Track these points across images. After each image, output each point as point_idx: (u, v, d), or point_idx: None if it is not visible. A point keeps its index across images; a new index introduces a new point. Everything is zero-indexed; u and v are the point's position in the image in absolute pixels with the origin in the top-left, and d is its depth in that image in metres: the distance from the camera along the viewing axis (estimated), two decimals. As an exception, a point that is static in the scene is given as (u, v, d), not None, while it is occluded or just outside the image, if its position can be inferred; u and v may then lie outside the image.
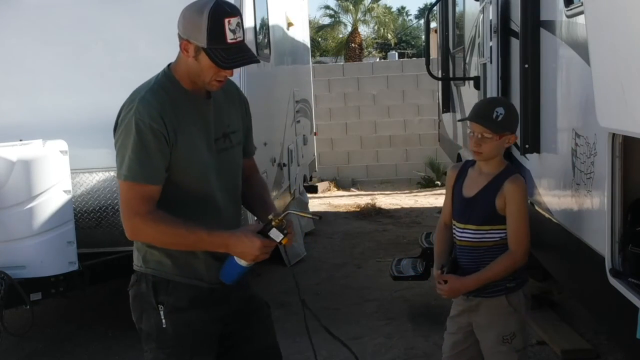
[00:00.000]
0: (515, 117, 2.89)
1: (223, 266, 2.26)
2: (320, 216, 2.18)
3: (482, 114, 2.79)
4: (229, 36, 2.11)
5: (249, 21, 5.29)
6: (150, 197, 2.16)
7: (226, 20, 2.10)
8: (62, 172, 4.17)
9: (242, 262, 2.22)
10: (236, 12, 2.14)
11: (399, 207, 9.89)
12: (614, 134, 2.62)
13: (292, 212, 2.30)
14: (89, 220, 4.48)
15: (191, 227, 2.17)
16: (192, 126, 2.22)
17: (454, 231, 2.92)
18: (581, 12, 2.91)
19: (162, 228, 2.17)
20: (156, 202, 2.18)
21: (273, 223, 2.18)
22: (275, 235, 2.17)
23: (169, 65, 2.28)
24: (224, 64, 2.13)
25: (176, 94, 2.21)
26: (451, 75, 7.22)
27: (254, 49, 5.40)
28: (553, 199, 3.62)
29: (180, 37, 2.17)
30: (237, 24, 2.12)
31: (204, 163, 2.24)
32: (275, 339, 2.53)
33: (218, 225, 2.25)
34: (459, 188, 2.91)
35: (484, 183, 2.82)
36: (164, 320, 2.26)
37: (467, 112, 6.29)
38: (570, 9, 3.17)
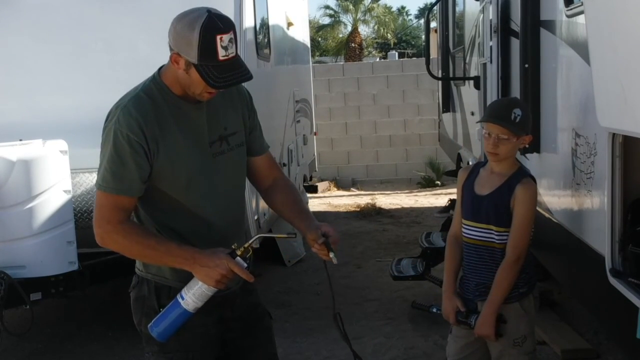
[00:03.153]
0: (530, 117, 2.87)
1: (160, 321, 2.18)
2: (295, 234, 2.12)
3: (500, 115, 2.75)
4: (221, 53, 2.05)
5: (249, 21, 5.28)
6: (123, 208, 2.15)
7: (218, 37, 2.04)
8: (62, 172, 4.17)
9: (190, 301, 2.14)
10: (229, 27, 2.07)
11: (399, 207, 9.89)
12: (614, 134, 2.62)
13: (262, 235, 2.21)
14: (89, 220, 4.46)
15: (161, 239, 2.16)
16: (178, 134, 2.18)
17: (462, 230, 2.89)
18: (581, 12, 2.91)
19: (132, 237, 2.15)
20: (130, 212, 2.18)
21: (238, 252, 2.13)
22: (240, 263, 2.12)
23: (160, 68, 2.24)
24: (215, 83, 2.08)
25: (163, 101, 2.18)
26: (451, 75, 7.22)
27: (254, 49, 5.41)
28: (553, 198, 3.63)
29: (170, 48, 2.12)
30: (230, 40, 2.06)
31: (191, 171, 2.21)
32: (275, 350, 2.52)
33: (207, 233, 2.23)
34: (470, 186, 2.88)
35: (498, 183, 2.79)
36: None
37: (467, 112, 6.35)
38: (570, 9, 3.17)
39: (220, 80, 2.08)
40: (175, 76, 2.15)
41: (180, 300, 2.16)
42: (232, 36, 2.07)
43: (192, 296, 2.14)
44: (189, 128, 2.21)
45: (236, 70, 2.11)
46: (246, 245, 2.15)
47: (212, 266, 2.10)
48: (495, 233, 2.78)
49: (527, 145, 3.10)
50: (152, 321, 2.20)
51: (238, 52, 2.12)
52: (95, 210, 2.18)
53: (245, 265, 2.13)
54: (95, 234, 2.17)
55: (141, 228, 2.19)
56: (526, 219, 2.75)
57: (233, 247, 2.14)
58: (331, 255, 2.16)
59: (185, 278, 2.22)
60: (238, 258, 2.12)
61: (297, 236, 2.20)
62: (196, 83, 2.11)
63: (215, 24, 2.04)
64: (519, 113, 2.72)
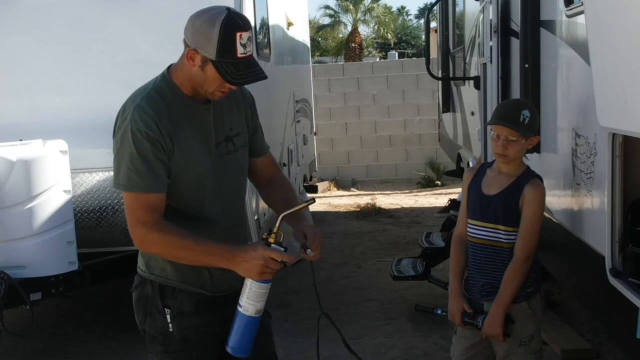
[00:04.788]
0: (537, 118, 2.87)
1: (230, 337, 2.19)
2: (314, 199, 2.11)
3: (509, 117, 2.75)
4: (239, 51, 2.06)
5: (248, 21, 5.29)
6: (154, 206, 2.13)
7: (238, 35, 2.05)
8: (62, 172, 4.17)
9: (248, 306, 2.15)
10: (248, 26, 2.10)
11: (399, 207, 9.89)
12: (614, 134, 2.62)
13: (284, 213, 2.18)
14: (89, 220, 4.48)
15: (199, 239, 2.13)
16: (189, 133, 2.18)
17: (468, 230, 2.90)
18: (581, 12, 2.91)
19: (169, 239, 2.13)
20: (161, 210, 2.15)
21: (270, 240, 2.12)
22: (277, 248, 2.11)
23: (169, 67, 2.23)
24: (232, 80, 2.09)
25: (174, 100, 2.18)
26: (451, 75, 7.22)
27: (253, 49, 5.41)
28: (553, 198, 3.62)
29: (186, 45, 2.12)
30: (249, 38, 2.08)
31: (201, 170, 2.21)
32: (275, 349, 2.53)
33: (211, 233, 2.22)
34: (477, 186, 2.88)
35: (506, 183, 2.80)
36: (170, 324, 2.24)
37: (467, 112, 6.35)
38: (570, 9, 3.17)
39: (237, 77, 2.09)
40: (188, 74, 2.15)
41: (239, 309, 2.17)
42: (250, 34, 2.09)
43: (248, 300, 2.15)
44: (198, 128, 2.22)
45: (252, 69, 2.13)
46: (275, 231, 2.14)
47: (249, 259, 2.10)
48: (503, 233, 2.79)
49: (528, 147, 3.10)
50: (227, 341, 2.19)
51: (253, 51, 2.13)
52: (128, 215, 2.16)
53: (282, 249, 2.12)
54: (134, 239, 2.16)
55: (175, 228, 2.15)
56: (535, 219, 2.76)
57: (264, 236, 2.14)
58: (307, 251, 2.19)
59: (189, 279, 2.24)
60: (273, 245, 2.11)
61: (314, 201, 2.25)
62: (211, 80, 2.12)
63: (235, 22, 2.06)
64: (528, 114, 2.73)
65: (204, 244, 2.13)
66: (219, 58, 2.06)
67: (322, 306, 2.33)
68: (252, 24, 5.40)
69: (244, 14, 5.03)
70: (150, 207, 2.12)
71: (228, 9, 2.08)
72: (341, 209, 9.85)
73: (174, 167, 2.16)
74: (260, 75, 2.14)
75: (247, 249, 2.13)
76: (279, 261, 2.11)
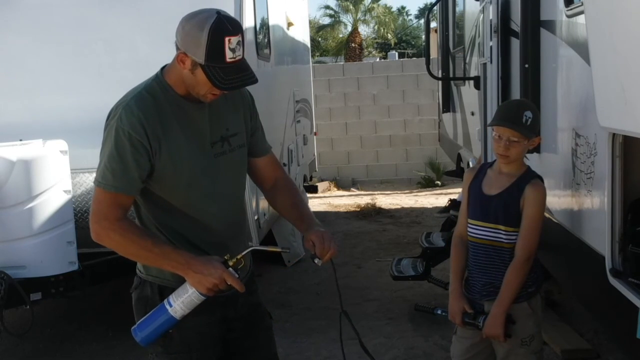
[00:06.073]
0: (539, 118, 2.88)
1: (143, 327, 2.19)
2: (289, 248, 2.13)
3: (511, 118, 2.75)
4: (228, 55, 2.06)
5: (249, 21, 5.29)
6: (121, 205, 2.16)
7: (226, 39, 2.05)
8: (62, 172, 4.17)
9: (178, 309, 2.15)
10: (237, 30, 2.09)
11: (399, 207, 9.89)
12: (614, 134, 2.62)
13: (256, 248, 2.25)
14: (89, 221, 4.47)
15: (157, 241, 2.16)
16: (180, 132, 2.19)
17: (468, 230, 2.90)
18: (581, 12, 2.91)
19: (129, 236, 2.15)
20: (127, 210, 2.19)
21: (230, 263, 2.15)
22: (232, 273, 2.14)
23: (162, 68, 2.24)
24: (221, 85, 2.09)
25: (165, 100, 2.18)
26: (451, 75, 7.23)
27: (254, 49, 5.41)
28: (553, 198, 3.62)
29: (177, 48, 2.13)
30: (238, 43, 2.08)
31: (192, 170, 2.21)
32: (275, 349, 2.54)
33: (207, 234, 2.24)
34: (477, 186, 2.88)
35: (507, 184, 2.80)
36: None
37: (467, 112, 6.35)
38: (571, 9, 3.17)
39: (226, 82, 2.09)
40: (180, 76, 2.16)
41: (167, 307, 2.17)
42: (240, 39, 2.08)
43: (181, 304, 2.16)
44: (191, 128, 2.22)
45: (242, 73, 2.12)
46: (238, 257, 2.17)
47: (206, 274, 2.11)
48: (504, 233, 2.79)
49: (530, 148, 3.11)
50: (136, 325, 2.21)
51: (244, 54, 2.12)
52: (93, 206, 2.19)
53: (237, 275, 2.14)
54: (91, 230, 2.18)
55: (138, 228, 2.20)
56: (536, 220, 2.76)
57: (225, 257, 2.16)
58: (315, 260, 2.28)
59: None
60: (230, 269, 2.13)
61: (289, 250, 2.30)
62: (201, 84, 2.12)
63: (224, 26, 2.05)
64: (530, 115, 2.73)
65: (161, 247, 2.16)
66: (208, 63, 2.06)
67: (342, 304, 2.40)
68: (252, 24, 5.40)
69: (244, 14, 5.06)
70: (116, 205, 2.15)
71: (218, 12, 2.07)
72: (341, 209, 9.85)
73: (163, 168, 2.17)
74: (250, 80, 2.14)
75: (206, 264, 2.13)
76: (228, 284, 2.13)
